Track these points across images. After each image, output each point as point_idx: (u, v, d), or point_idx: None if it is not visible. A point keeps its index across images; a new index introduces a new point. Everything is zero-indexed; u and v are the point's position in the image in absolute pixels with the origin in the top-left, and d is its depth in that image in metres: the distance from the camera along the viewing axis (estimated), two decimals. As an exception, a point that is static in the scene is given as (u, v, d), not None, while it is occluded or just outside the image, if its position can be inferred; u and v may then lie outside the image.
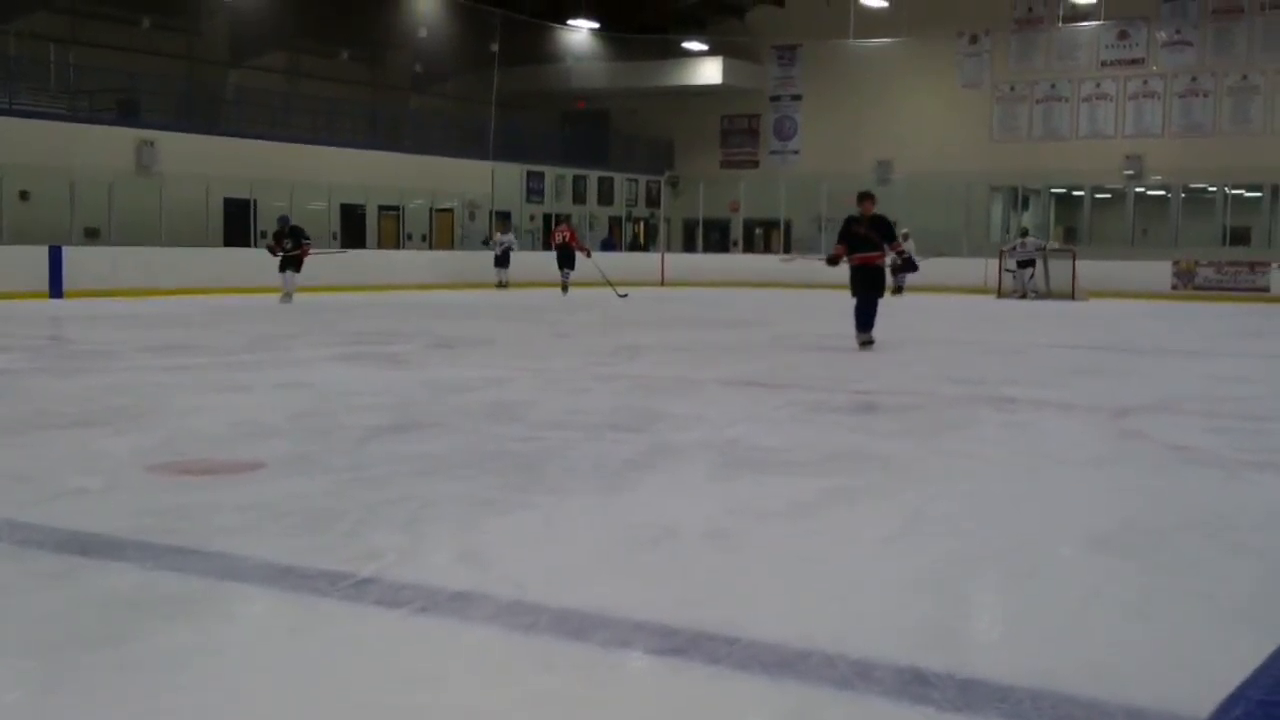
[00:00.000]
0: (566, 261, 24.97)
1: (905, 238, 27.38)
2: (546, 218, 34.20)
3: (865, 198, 12.50)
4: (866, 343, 12.40)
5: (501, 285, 26.39)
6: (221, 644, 3.33)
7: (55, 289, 20.52)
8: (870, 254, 12.43)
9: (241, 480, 5.42)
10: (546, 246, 33.36)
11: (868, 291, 12.49)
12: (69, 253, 21.03)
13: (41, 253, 20.64)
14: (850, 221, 12.50)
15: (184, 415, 7.42)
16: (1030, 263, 26.06)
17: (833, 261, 12.76)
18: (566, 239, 25.38)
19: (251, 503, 4.93)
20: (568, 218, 29.84)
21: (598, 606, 3.60)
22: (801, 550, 4.43)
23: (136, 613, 3.53)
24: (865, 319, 12.49)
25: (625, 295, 22.15)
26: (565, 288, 24.91)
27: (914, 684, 3.02)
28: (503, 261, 26.60)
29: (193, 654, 3.21)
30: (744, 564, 4.23)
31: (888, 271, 15.17)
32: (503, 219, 28.20)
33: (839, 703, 2.95)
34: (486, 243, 28.58)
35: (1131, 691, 3.04)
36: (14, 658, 3.20)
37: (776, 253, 34.32)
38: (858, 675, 3.07)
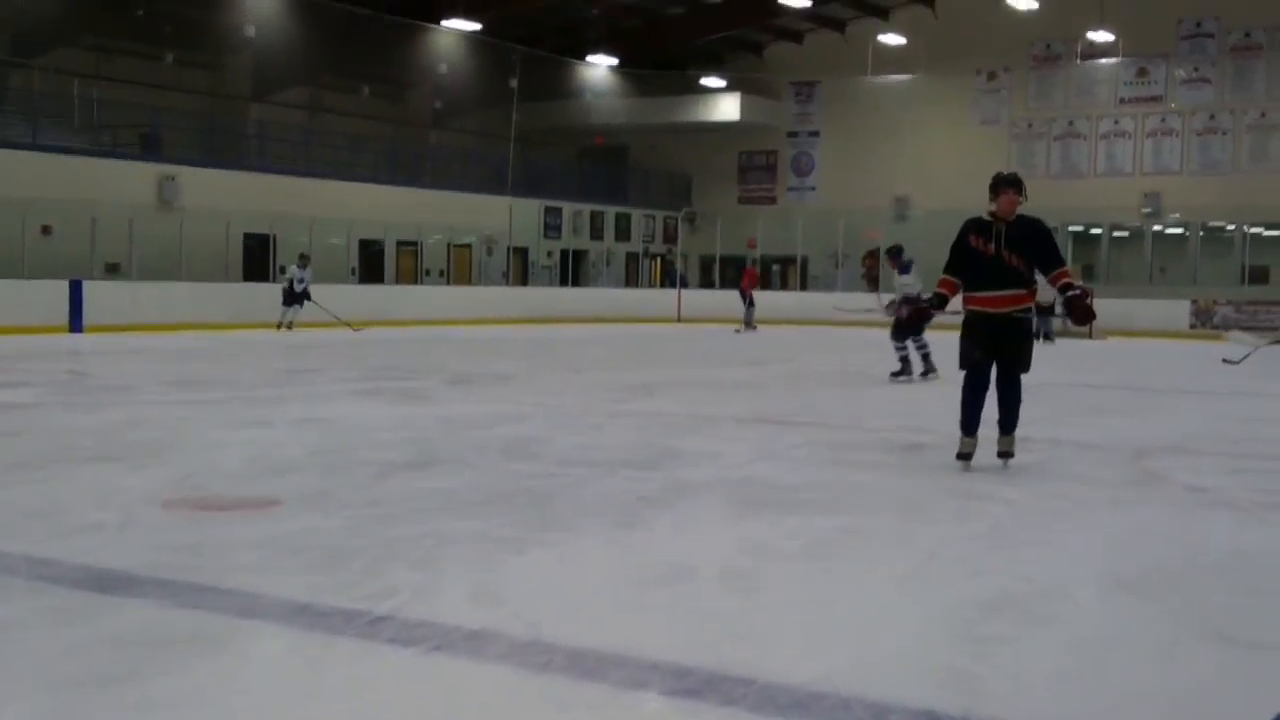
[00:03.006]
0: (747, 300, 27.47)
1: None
2: (564, 253, 34.33)
3: (1005, 185, 6.82)
4: (969, 456, 7.07)
5: (284, 325, 22.41)
6: (237, 682, 3.34)
7: (76, 323, 20.66)
8: (1006, 293, 6.84)
9: (258, 517, 5.43)
10: (563, 283, 33.65)
11: (992, 357, 6.92)
12: (89, 287, 21.19)
13: (62, 287, 20.80)
14: (969, 231, 6.92)
15: (202, 451, 7.45)
16: (1051, 309, 21.55)
17: (918, 315, 7.66)
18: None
19: (268, 539, 4.94)
20: (752, 261, 32.20)
21: (612, 646, 3.59)
22: (817, 590, 4.41)
23: (153, 650, 3.54)
24: (979, 409, 7.02)
25: (738, 331, 25.34)
26: (745, 324, 26.41)
27: (930, 728, 3.01)
28: (291, 299, 22.56)
29: (209, 692, 3.21)
30: (759, 604, 4.22)
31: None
32: (303, 255, 23.50)
33: (854, 746, 2.94)
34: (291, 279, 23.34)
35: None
36: (31, 695, 3.21)
37: (793, 289, 34.32)
38: (873, 717, 3.06)
